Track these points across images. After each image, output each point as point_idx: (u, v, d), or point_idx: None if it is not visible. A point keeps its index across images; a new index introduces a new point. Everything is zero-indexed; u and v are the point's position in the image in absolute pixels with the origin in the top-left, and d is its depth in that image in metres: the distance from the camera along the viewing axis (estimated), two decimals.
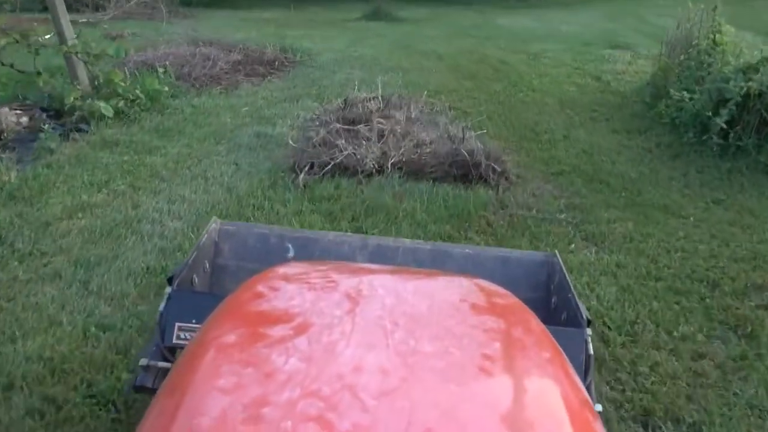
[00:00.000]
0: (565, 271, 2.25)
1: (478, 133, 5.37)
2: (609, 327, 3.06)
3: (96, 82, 6.03)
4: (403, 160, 4.55)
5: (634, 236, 3.95)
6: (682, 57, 6.31)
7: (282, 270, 1.48)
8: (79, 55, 5.73)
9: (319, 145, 4.63)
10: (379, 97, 5.63)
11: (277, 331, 1.15)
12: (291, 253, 2.38)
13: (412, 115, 5.25)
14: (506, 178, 4.59)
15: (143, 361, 1.80)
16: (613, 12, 14.94)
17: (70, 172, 4.47)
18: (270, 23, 12.35)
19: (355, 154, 4.47)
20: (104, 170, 4.54)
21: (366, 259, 2.37)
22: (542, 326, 1.37)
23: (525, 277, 2.35)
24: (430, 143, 4.76)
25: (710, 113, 5.29)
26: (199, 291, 2.18)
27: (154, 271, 3.25)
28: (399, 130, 4.84)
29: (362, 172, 4.44)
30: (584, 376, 1.78)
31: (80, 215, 3.83)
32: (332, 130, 4.76)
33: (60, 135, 5.12)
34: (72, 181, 4.31)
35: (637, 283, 3.44)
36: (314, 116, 5.90)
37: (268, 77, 7.43)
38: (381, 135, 4.76)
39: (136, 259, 3.35)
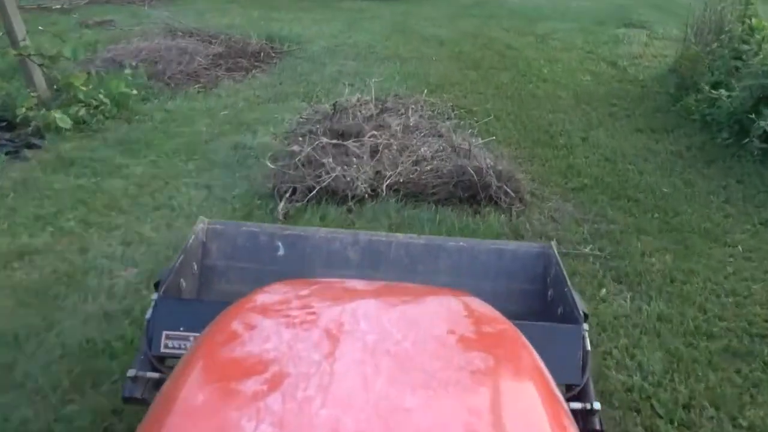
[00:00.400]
0: (561, 263, 2.20)
1: (486, 140, 4.72)
2: (658, 414, 2.46)
3: (55, 87, 5.38)
4: (401, 180, 3.92)
5: (675, 274, 3.33)
6: (714, 45, 5.60)
7: (260, 299, 1.40)
8: (32, 58, 5.06)
9: (303, 165, 3.98)
10: (372, 102, 4.96)
11: (250, 386, 1.06)
12: (281, 251, 2.35)
13: (411, 123, 4.59)
14: (520, 199, 3.95)
15: (131, 372, 1.74)
16: None
17: (13, 203, 3.84)
18: (258, 4, 11.58)
19: (344, 175, 3.83)
20: (54, 199, 3.91)
21: (358, 256, 2.33)
22: (535, 359, 1.27)
23: (521, 270, 2.33)
24: (432, 158, 4.11)
25: (751, 113, 4.63)
26: (186, 298, 2.12)
27: (94, 347, 2.65)
28: (395, 144, 4.19)
29: (353, 197, 3.81)
30: (581, 373, 1.76)
31: (16, 265, 3.21)
32: (318, 146, 4.10)
33: (8, 153, 4.47)
34: (14, 216, 3.68)
35: (686, 344, 2.83)
36: (301, 120, 5.24)
37: (253, 71, 6.74)
38: (375, 150, 4.12)
39: (74, 330, 2.75)
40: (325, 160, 3.94)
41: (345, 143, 4.14)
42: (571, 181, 4.38)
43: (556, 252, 2.28)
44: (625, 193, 4.23)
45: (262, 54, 7.25)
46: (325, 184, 3.81)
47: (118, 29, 8.07)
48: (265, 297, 1.41)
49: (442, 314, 1.37)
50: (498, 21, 10.19)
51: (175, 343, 1.83)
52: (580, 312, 1.88)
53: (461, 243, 2.40)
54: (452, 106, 5.62)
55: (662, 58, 7.78)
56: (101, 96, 5.27)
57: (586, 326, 1.83)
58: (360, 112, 4.62)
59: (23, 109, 4.81)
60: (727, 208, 4.07)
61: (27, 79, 5.23)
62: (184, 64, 6.39)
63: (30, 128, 4.88)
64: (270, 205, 3.80)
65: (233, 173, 4.31)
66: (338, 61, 7.23)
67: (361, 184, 3.82)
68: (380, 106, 5.02)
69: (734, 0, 6.12)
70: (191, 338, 1.81)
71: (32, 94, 5.09)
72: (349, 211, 3.78)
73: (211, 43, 7.07)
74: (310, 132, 4.45)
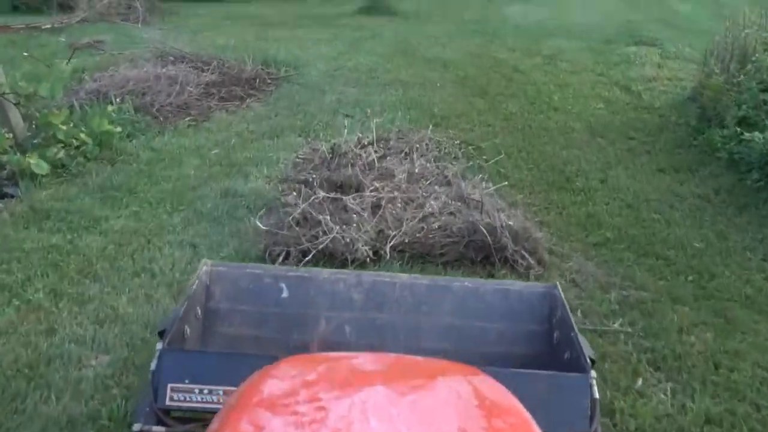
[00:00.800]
0: (566, 305, 2.21)
1: (497, 186, 4.34)
2: None
3: (33, 124, 5.01)
4: (406, 240, 3.53)
5: (719, 358, 2.93)
6: (741, 76, 5.22)
7: (267, 390, 1.33)
8: (7, 96, 4.69)
9: (298, 224, 3.60)
10: (374, 143, 4.58)
11: None
12: (285, 293, 2.37)
13: (416, 169, 4.21)
14: (538, 261, 3.57)
15: (136, 427, 1.73)
16: None
17: None
18: (255, 21, 11.25)
19: (343, 236, 3.45)
20: (24, 263, 3.53)
21: (362, 297, 2.35)
22: None
23: (527, 311, 2.34)
24: (440, 213, 3.73)
25: None
26: (192, 350, 2.10)
27: None
28: (399, 197, 3.81)
29: (353, 261, 3.42)
30: (590, 422, 1.72)
31: None
32: (314, 201, 3.72)
33: None
34: None
35: None
36: (298, 160, 4.87)
37: (247, 101, 6.39)
38: (377, 206, 3.73)
39: None
40: (321, 218, 3.56)
41: (344, 197, 3.76)
42: (592, 234, 4.00)
43: (560, 293, 2.27)
44: (652, 249, 3.84)
45: (257, 80, 6.90)
46: (321, 246, 3.43)
47: (107, 54, 7.70)
48: (272, 387, 1.36)
49: (452, 406, 1.31)
50: (502, 40, 9.86)
51: (181, 396, 1.84)
52: (587, 359, 1.87)
53: (466, 283, 2.43)
54: (459, 143, 5.25)
55: (678, 82, 7.42)
56: (83, 135, 4.90)
57: (593, 373, 1.82)
58: (360, 157, 4.24)
59: None
60: (767, 267, 3.69)
61: (2, 119, 4.85)
62: (173, 95, 6.02)
63: (4, 173, 4.52)
64: None
65: (222, 228, 3.93)
66: (337, 87, 6.87)
67: (362, 245, 3.44)
68: (382, 149, 4.64)
69: (758, 26, 5.75)
70: (196, 390, 1.84)
71: (7, 135, 4.72)
72: None
73: (203, 70, 6.70)
74: (305, 183, 4.07)
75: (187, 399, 1.83)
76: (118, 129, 5.13)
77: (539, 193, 4.54)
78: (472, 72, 7.73)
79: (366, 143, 4.67)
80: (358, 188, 3.84)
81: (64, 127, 4.81)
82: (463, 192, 4.01)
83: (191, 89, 6.20)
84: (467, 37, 10.06)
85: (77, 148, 4.89)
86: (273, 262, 3.44)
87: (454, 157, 4.93)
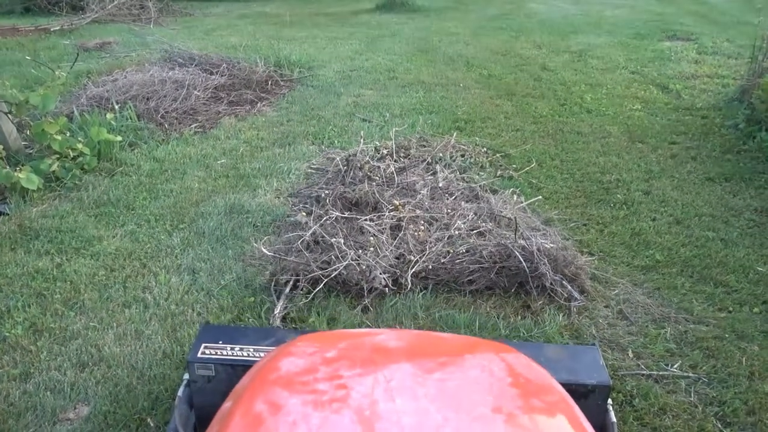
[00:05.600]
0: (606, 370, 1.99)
1: (530, 201, 3.91)
2: None
3: (28, 133, 4.68)
4: (429, 267, 3.11)
5: None
6: None
7: (285, 367, 1.26)
8: None
9: (308, 247, 3.21)
10: (393, 153, 4.17)
11: None
12: None
13: (440, 183, 3.79)
14: (581, 290, 3.14)
15: None
16: None
17: None
18: (270, 21, 10.90)
19: (358, 263, 3.04)
20: (5, 292, 3.18)
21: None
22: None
23: None
24: (468, 234, 3.30)
25: None
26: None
27: None
28: (421, 217, 3.39)
29: (370, 291, 3.02)
30: None
31: None
32: (327, 221, 3.32)
33: None
34: None
35: None
36: (310, 170, 4.48)
37: (258, 105, 6.01)
38: (396, 226, 3.32)
39: None
40: (334, 241, 3.15)
41: (359, 217, 3.35)
42: (638, 256, 3.55)
43: (600, 354, 2.08)
44: (709, 273, 3.38)
45: (269, 83, 6.51)
46: (334, 274, 3.02)
47: (113, 57, 7.38)
48: (289, 364, 1.28)
49: (485, 384, 1.20)
50: (528, 36, 9.37)
51: (213, 351, 1.91)
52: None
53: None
54: (486, 150, 4.81)
55: (719, 80, 6.90)
56: (80, 145, 4.55)
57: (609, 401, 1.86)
58: (378, 170, 3.83)
59: None
60: None
61: None
62: (179, 100, 5.66)
63: None
64: (266, 304, 3.02)
65: (225, 250, 3.55)
66: (354, 90, 6.46)
67: (380, 273, 3.03)
68: (402, 158, 4.23)
69: None
70: (228, 348, 1.91)
71: None
72: (365, 310, 2.99)
73: (212, 73, 6.33)
74: (317, 200, 3.67)
75: (218, 353, 1.89)
76: (118, 138, 4.78)
77: (576, 208, 4.09)
78: (497, 71, 7.27)
79: (384, 153, 4.26)
80: (376, 207, 3.43)
81: (60, 137, 4.46)
82: (494, 208, 3.58)
83: (198, 93, 5.83)
84: (491, 33, 9.59)
85: (74, 159, 4.54)
86: (278, 295, 3.04)
87: (481, 167, 4.50)
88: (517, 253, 3.09)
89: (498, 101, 6.16)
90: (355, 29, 9.93)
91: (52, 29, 9.71)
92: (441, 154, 4.42)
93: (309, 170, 4.51)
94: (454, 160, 4.44)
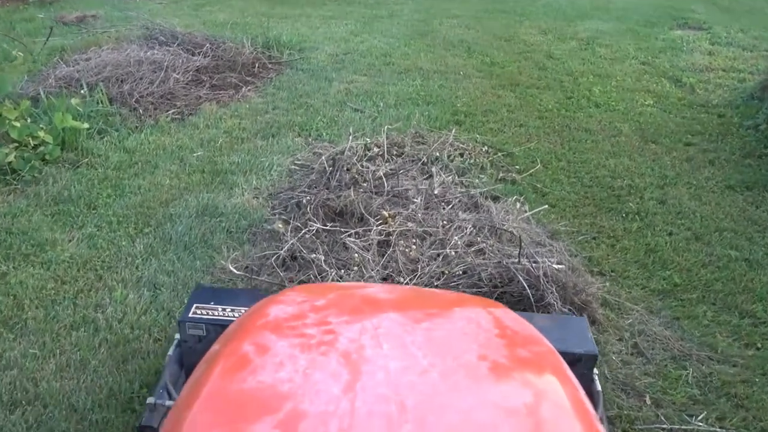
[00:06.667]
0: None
1: (535, 210, 3.53)
2: None
3: None
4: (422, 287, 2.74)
5: None
6: None
7: (274, 312, 1.26)
8: None
9: (284, 265, 2.83)
10: (384, 156, 3.77)
11: (263, 429, 0.94)
12: None
13: (435, 190, 3.40)
14: (591, 319, 2.77)
15: (150, 400, 1.72)
16: None
17: None
18: None
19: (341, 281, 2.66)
20: None
21: None
22: (577, 391, 1.14)
23: None
24: (465, 252, 2.93)
25: None
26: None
27: None
28: (413, 231, 3.01)
29: None
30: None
31: None
32: (307, 231, 2.94)
33: None
34: None
35: None
36: (293, 167, 4.09)
37: (243, 90, 5.57)
38: (385, 241, 2.94)
39: None
40: (314, 257, 2.77)
41: (343, 229, 2.96)
42: (654, 277, 3.18)
43: (588, 326, 2.10)
44: (734, 301, 3.02)
45: (256, 66, 6.07)
46: None
47: (91, 33, 6.91)
48: (278, 311, 1.27)
49: (471, 334, 1.19)
50: (533, 20, 8.91)
51: (204, 311, 1.94)
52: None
53: None
54: (487, 149, 4.41)
55: (735, 74, 6.50)
56: (42, 133, 4.14)
57: (596, 370, 1.94)
58: (368, 172, 3.43)
59: None
60: None
61: None
62: (156, 83, 5.23)
63: None
64: None
65: (192, 260, 3.16)
66: (346, 75, 6.03)
67: None
68: (395, 158, 3.84)
69: None
70: (219, 308, 1.93)
71: None
72: None
73: (194, 53, 5.88)
74: (298, 205, 3.28)
75: (209, 314, 1.91)
76: (85, 125, 4.35)
77: (585, 217, 3.71)
78: (499, 58, 6.83)
79: (376, 152, 3.87)
80: (363, 218, 3.04)
81: (19, 124, 4.06)
82: (495, 220, 3.20)
83: (178, 76, 5.40)
84: (493, 16, 9.12)
85: (35, 148, 4.13)
86: None
87: (482, 168, 4.11)
88: (521, 278, 2.72)
89: (500, 92, 5.74)
90: (351, 8, 9.44)
91: (30, 0, 9.19)
92: (438, 154, 4.03)
93: (292, 167, 4.12)
94: (452, 161, 4.05)
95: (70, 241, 3.33)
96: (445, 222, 3.11)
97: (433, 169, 3.72)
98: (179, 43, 6.12)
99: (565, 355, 1.44)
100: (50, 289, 2.94)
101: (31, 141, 4.12)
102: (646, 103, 5.65)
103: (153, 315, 2.77)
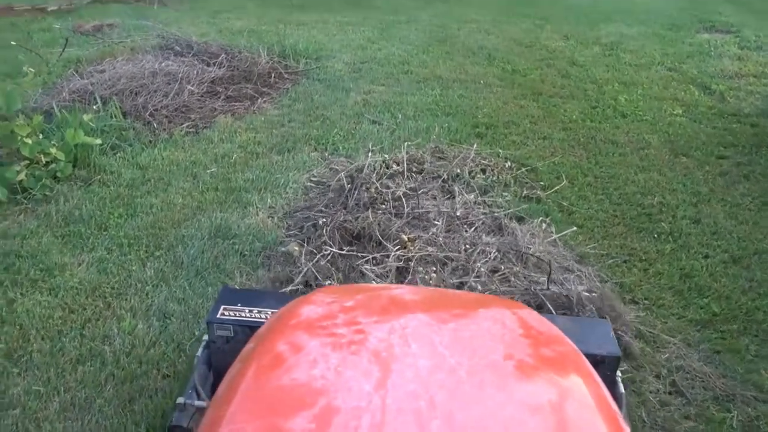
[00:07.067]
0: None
1: (563, 233, 3.36)
2: None
3: None
4: None
5: None
6: None
7: (305, 313, 1.30)
8: None
9: (297, 291, 2.70)
10: (404, 175, 3.63)
11: (298, 424, 0.97)
12: None
13: (457, 210, 3.24)
14: (626, 353, 2.60)
15: (180, 400, 1.73)
16: None
17: None
18: (279, 2, 10.27)
19: None
20: None
21: None
22: (601, 389, 1.16)
23: None
24: (490, 279, 2.77)
25: None
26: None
27: None
28: (434, 256, 2.86)
29: None
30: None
31: None
32: (323, 256, 2.80)
33: None
34: None
35: None
36: (309, 185, 3.96)
37: (258, 101, 5.46)
38: (404, 268, 2.79)
39: None
40: (329, 284, 2.63)
41: (361, 255, 2.82)
42: (691, 306, 3.00)
43: (611, 328, 2.03)
44: None
45: (272, 76, 5.96)
46: None
47: (107, 44, 6.84)
48: (309, 311, 1.31)
49: (497, 334, 1.23)
50: (554, 25, 8.70)
51: (231, 312, 1.94)
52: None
53: None
54: (510, 164, 4.24)
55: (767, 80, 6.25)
56: (53, 150, 4.05)
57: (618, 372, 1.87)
58: (387, 191, 3.29)
59: None
60: None
61: None
62: (171, 96, 5.13)
63: None
64: None
65: (204, 286, 3.04)
66: (364, 85, 5.89)
67: None
68: (415, 174, 3.69)
69: None
70: (246, 310, 1.95)
71: None
72: None
73: (209, 64, 5.78)
74: (315, 227, 3.15)
75: (237, 315, 1.91)
76: (98, 141, 4.26)
77: (615, 239, 3.53)
78: (521, 65, 6.65)
79: (395, 170, 3.72)
80: (380, 243, 2.90)
81: (31, 141, 3.97)
82: (520, 244, 3.04)
83: (193, 88, 5.30)
84: (514, 21, 8.93)
85: (46, 165, 4.05)
86: None
87: (505, 185, 3.95)
88: (550, 307, 2.56)
89: (523, 102, 5.57)
90: (369, 13, 9.30)
91: (49, 9, 9.18)
92: (459, 170, 3.87)
93: (308, 184, 3.99)
94: (473, 177, 3.88)
95: (79, 265, 3.22)
96: (467, 246, 2.95)
97: (455, 188, 3.56)
98: (194, 53, 6.03)
99: (587, 356, 1.47)
100: (57, 318, 2.83)
101: (42, 158, 4.04)
102: (675, 112, 5.44)
103: (162, 348, 2.65)
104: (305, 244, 3.03)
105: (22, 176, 3.84)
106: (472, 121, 5.05)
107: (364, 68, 6.43)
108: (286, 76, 6.06)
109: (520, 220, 3.48)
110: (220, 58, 5.89)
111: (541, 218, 3.44)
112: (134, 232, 3.50)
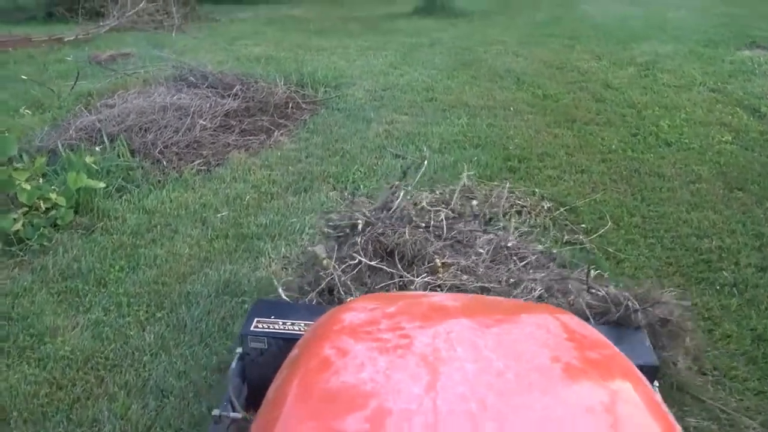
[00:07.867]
0: None
1: (612, 282, 2.95)
2: None
3: None
4: None
5: None
6: None
7: (348, 318, 1.29)
8: None
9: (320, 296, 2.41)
10: (431, 210, 3.27)
11: (351, 425, 0.98)
12: None
13: (509, 242, 2.86)
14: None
15: (215, 412, 1.68)
16: None
17: None
18: (299, 27, 10.09)
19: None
20: None
21: None
22: (650, 390, 1.15)
23: None
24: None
25: None
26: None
27: None
28: (467, 284, 2.49)
29: None
30: None
31: None
32: (347, 270, 2.48)
33: None
34: None
35: None
36: (327, 230, 3.61)
37: (275, 134, 5.17)
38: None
39: None
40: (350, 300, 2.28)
41: (387, 271, 2.49)
42: None
43: (647, 337, 2.02)
44: None
45: (289, 107, 5.68)
46: None
47: (120, 75, 6.64)
48: (352, 317, 1.30)
49: (541, 338, 1.21)
50: (584, 44, 8.33)
51: (265, 325, 1.93)
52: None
53: None
54: (548, 204, 3.86)
55: None
56: (53, 195, 3.78)
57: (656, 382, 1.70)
58: (415, 242, 2.93)
59: None
60: None
61: None
62: (182, 131, 4.86)
63: None
64: None
65: (209, 355, 2.70)
66: (386, 114, 5.57)
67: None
68: (445, 223, 3.33)
69: None
70: (280, 322, 1.94)
71: None
72: None
73: (224, 96, 5.51)
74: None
75: (270, 327, 1.91)
76: (101, 185, 3.98)
77: (670, 291, 3.11)
78: (552, 89, 6.28)
79: (421, 210, 3.36)
80: (413, 261, 2.56)
81: (29, 186, 3.70)
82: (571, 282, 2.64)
83: (205, 122, 5.02)
84: (541, 41, 8.58)
85: (46, 212, 3.77)
86: None
87: (544, 229, 3.56)
88: None
89: (556, 130, 5.19)
90: (390, 37, 9.04)
91: (66, 39, 9.08)
92: (489, 212, 3.50)
93: (326, 229, 3.64)
94: (508, 220, 3.51)
95: (73, 328, 2.91)
96: (509, 278, 2.57)
97: (512, 222, 3.20)
98: (209, 84, 5.77)
99: None
100: (43, 396, 2.51)
101: (42, 204, 3.77)
102: (724, 139, 5.02)
103: None
104: (336, 248, 2.73)
105: (18, 226, 3.57)
106: (503, 153, 4.69)
107: (386, 96, 6.12)
108: (303, 106, 5.77)
109: (563, 267, 3.09)
110: (235, 89, 5.62)
111: (585, 265, 3.04)
112: (135, 289, 3.19)
